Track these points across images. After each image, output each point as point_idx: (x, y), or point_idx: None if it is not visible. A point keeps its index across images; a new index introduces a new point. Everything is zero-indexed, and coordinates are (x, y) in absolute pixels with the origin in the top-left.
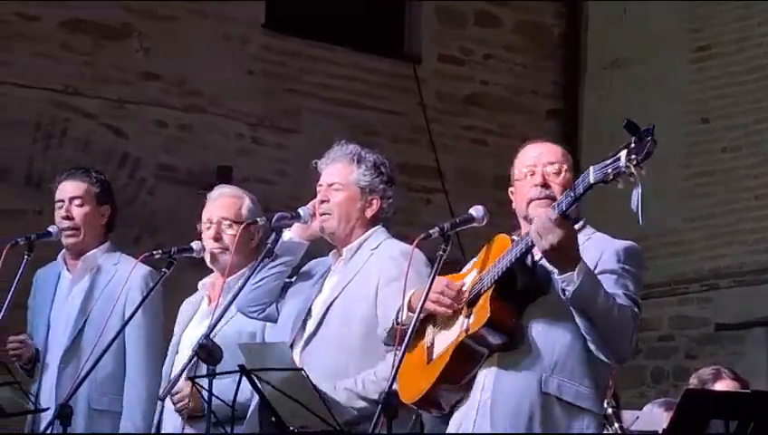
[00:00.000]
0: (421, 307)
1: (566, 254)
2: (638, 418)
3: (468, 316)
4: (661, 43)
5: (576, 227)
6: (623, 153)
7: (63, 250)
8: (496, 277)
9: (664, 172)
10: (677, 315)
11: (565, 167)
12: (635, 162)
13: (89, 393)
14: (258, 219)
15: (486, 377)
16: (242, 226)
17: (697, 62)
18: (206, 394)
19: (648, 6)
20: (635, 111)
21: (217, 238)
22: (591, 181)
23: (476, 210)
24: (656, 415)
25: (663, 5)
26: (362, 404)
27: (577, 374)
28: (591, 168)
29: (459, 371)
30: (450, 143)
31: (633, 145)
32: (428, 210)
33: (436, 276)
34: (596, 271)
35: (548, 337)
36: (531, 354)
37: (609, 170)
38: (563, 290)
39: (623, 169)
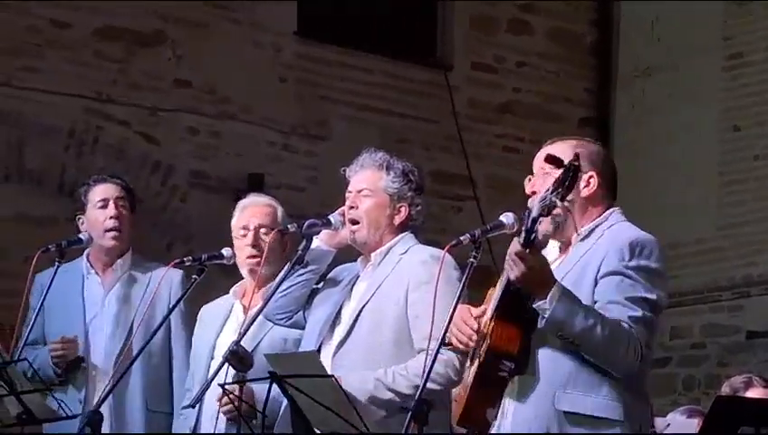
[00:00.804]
0: (446, 329)
1: (537, 282)
2: (669, 425)
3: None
4: (693, 51)
5: (590, 226)
6: (551, 188)
7: (89, 252)
8: (496, 304)
9: (696, 180)
10: (709, 323)
11: (551, 169)
12: (560, 196)
13: (143, 394)
14: (290, 226)
15: (507, 402)
16: (274, 232)
17: (729, 69)
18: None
19: (679, 14)
20: (666, 118)
21: (255, 245)
22: (535, 215)
23: (507, 217)
24: (680, 422)
25: (694, 13)
26: (389, 395)
27: (593, 386)
28: (536, 201)
29: (484, 397)
30: (482, 151)
31: (559, 179)
32: (460, 218)
33: (459, 304)
34: (600, 274)
35: (556, 355)
36: (542, 375)
37: (548, 202)
38: (542, 317)
39: (551, 203)
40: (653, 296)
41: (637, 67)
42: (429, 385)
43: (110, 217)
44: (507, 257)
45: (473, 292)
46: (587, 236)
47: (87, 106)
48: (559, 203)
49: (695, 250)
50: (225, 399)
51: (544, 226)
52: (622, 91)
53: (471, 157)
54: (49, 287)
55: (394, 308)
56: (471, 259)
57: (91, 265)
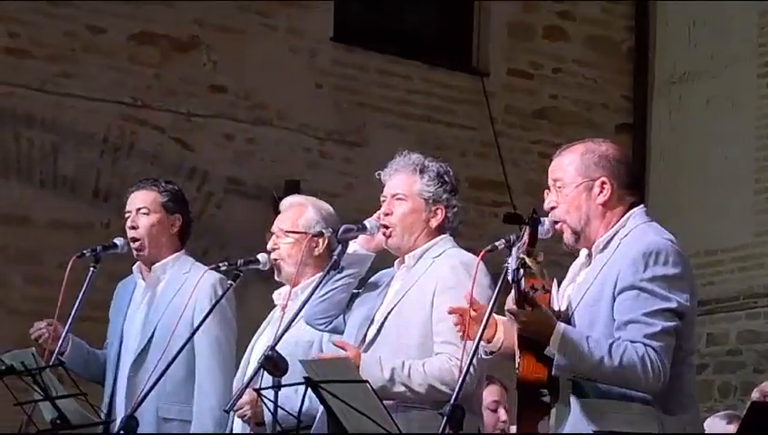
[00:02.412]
0: (482, 331)
1: (537, 333)
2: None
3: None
4: (730, 57)
5: (607, 235)
6: (513, 250)
7: (139, 261)
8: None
9: (733, 187)
10: (746, 330)
11: (567, 181)
12: (526, 253)
13: (157, 402)
14: (324, 231)
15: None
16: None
17: (766, 76)
18: (268, 403)
19: (716, 20)
20: (704, 124)
21: (273, 249)
22: (514, 268)
23: (541, 222)
24: (718, 427)
25: (732, 19)
26: (402, 389)
27: (624, 403)
28: (513, 251)
29: (530, 414)
30: (518, 157)
31: (519, 237)
32: (496, 224)
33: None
34: (617, 290)
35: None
36: (572, 400)
37: (520, 261)
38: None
39: (521, 260)
40: (672, 305)
41: (674, 74)
42: (442, 388)
43: (129, 228)
44: (506, 311)
45: (507, 298)
46: (605, 247)
47: (122, 112)
48: (528, 260)
49: (731, 257)
50: (238, 404)
51: (566, 236)
52: (659, 97)
53: (507, 163)
54: (85, 292)
55: (420, 312)
56: (506, 265)
57: (140, 272)
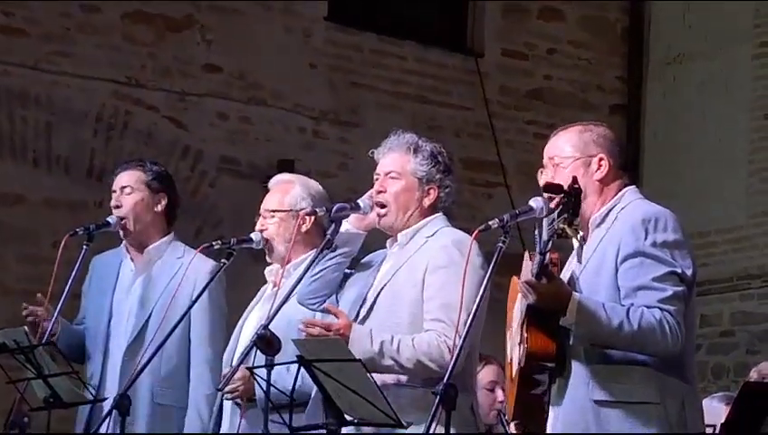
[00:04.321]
0: (478, 305)
1: (553, 305)
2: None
3: (521, 345)
4: (724, 38)
5: (604, 210)
6: (555, 214)
7: (125, 241)
8: (525, 311)
9: (727, 168)
10: (739, 311)
11: (561, 160)
12: (567, 222)
13: (152, 387)
14: (317, 210)
15: (552, 405)
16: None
17: (760, 57)
18: (261, 382)
19: (711, 1)
20: (698, 106)
21: (261, 230)
22: (546, 238)
23: (536, 201)
24: (715, 409)
25: (726, 0)
26: (389, 363)
27: (623, 372)
28: (544, 222)
29: (530, 396)
30: (512, 138)
31: (562, 205)
32: (490, 204)
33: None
34: (619, 259)
35: (584, 349)
36: (573, 371)
37: (556, 228)
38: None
39: (559, 229)
40: (677, 269)
41: (668, 55)
42: (430, 365)
43: (113, 207)
44: (520, 285)
45: (501, 277)
46: (602, 221)
47: (116, 91)
48: (568, 229)
49: (725, 238)
50: (237, 381)
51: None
52: (654, 78)
53: (502, 144)
54: (78, 271)
55: (411, 291)
56: (500, 244)
57: (127, 250)
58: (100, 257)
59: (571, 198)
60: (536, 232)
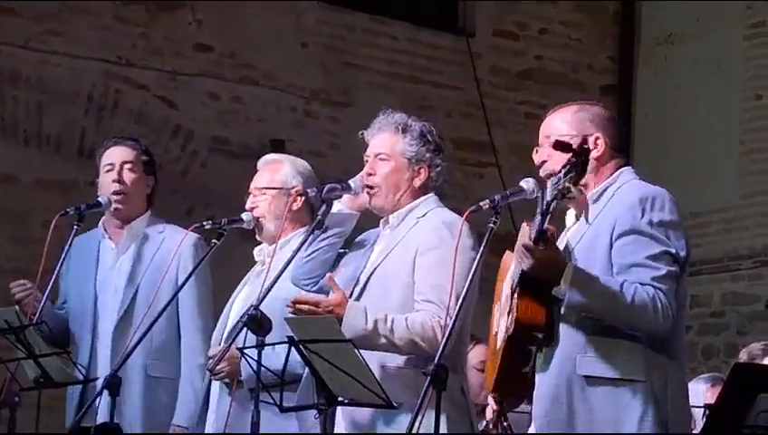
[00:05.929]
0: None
1: (548, 272)
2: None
3: (509, 314)
4: (716, 19)
5: (600, 187)
6: (562, 172)
7: (104, 218)
8: (517, 280)
9: (719, 148)
10: (729, 292)
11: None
12: (573, 181)
13: (144, 361)
14: (309, 190)
15: (537, 372)
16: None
17: (752, 38)
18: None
19: None
20: (689, 86)
21: (251, 208)
22: (549, 199)
23: (527, 182)
24: (701, 390)
25: None
26: (382, 341)
27: (612, 348)
28: (549, 184)
29: (514, 367)
30: (504, 118)
31: (570, 165)
32: (482, 185)
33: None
34: (615, 235)
35: (574, 322)
36: (562, 342)
37: (561, 187)
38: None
39: (565, 188)
40: (671, 249)
41: (660, 35)
42: (421, 344)
43: (113, 181)
44: (516, 249)
45: (492, 257)
46: (598, 198)
47: (107, 70)
48: (573, 189)
49: (715, 219)
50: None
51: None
52: (645, 59)
53: (493, 124)
54: (67, 252)
55: (403, 272)
56: (491, 224)
57: (105, 230)
58: (79, 239)
59: (580, 157)
60: (539, 194)
